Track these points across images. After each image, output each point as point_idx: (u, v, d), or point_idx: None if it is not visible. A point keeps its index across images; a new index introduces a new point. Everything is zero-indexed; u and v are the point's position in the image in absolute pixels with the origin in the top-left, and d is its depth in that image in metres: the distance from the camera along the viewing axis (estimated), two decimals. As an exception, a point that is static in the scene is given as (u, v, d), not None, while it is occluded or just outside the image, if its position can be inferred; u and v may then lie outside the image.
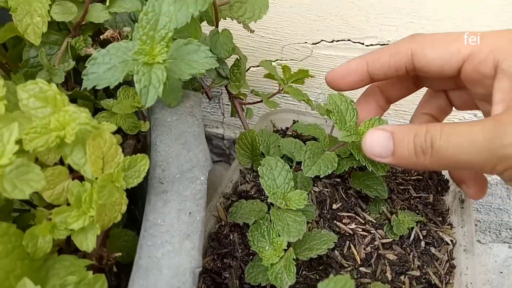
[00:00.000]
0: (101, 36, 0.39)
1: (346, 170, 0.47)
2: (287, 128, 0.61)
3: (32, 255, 0.28)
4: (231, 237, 0.44)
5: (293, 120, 0.62)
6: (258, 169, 0.42)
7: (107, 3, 0.40)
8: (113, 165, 0.30)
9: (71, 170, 0.31)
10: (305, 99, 0.56)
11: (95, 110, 0.44)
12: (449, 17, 0.59)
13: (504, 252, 0.77)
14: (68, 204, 0.29)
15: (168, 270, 0.29)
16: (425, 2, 0.59)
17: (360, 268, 0.41)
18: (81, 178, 0.30)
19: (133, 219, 0.45)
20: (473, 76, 0.35)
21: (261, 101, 0.56)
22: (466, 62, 0.34)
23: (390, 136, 0.35)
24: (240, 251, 0.42)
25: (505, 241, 0.79)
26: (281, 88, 0.57)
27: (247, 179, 0.50)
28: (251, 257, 0.42)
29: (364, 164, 0.43)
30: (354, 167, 0.49)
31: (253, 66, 0.74)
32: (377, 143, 0.36)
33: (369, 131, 0.37)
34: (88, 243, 0.29)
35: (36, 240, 0.28)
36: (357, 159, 0.44)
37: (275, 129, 0.62)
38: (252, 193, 0.48)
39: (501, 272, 0.73)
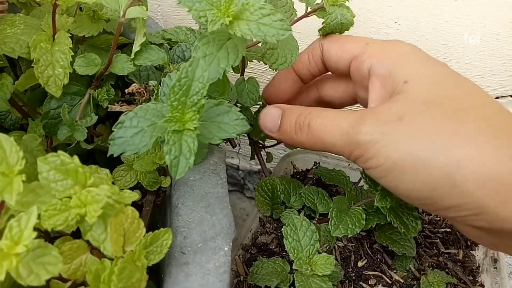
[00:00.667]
0: (126, 90, 0.37)
1: (373, 227, 0.44)
2: (307, 170, 0.59)
3: None
4: (251, 298, 0.42)
5: (314, 162, 0.60)
6: (282, 229, 0.40)
7: (132, 55, 0.38)
8: (134, 241, 0.28)
9: (89, 243, 0.29)
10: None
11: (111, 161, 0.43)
12: None
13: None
14: (85, 283, 0.28)
15: None
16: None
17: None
18: (100, 252, 0.29)
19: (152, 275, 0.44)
20: (355, 75, 0.38)
21: (281, 142, 0.55)
22: (353, 61, 0.38)
23: (281, 113, 0.39)
24: (260, 314, 0.40)
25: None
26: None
27: (267, 230, 0.49)
28: (273, 321, 0.39)
29: (395, 226, 0.41)
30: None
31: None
32: (269, 117, 0.39)
33: (268, 107, 0.40)
34: (106, 326, 0.27)
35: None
36: (388, 219, 0.41)
37: (295, 170, 0.60)
38: (273, 247, 0.46)
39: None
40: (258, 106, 0.48)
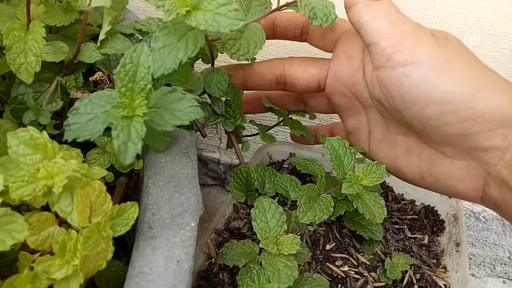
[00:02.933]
0: (90, 78, 0.39)
1: (342, 213, 0.46)
2: (283, 161, 0.61)
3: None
4: (221, 277, 0.43)
5: (290, 153, 0.61)
6: (251, 211, 0.41)
7: (98, 44, 0.39)
8: (101, 213, 0.29)
9: (57, 215, 0.30)
10: (304, 133, 0.56)
11: (89, 144, 0.44)
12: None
13: (498, 287, 0.76)
14: (52, 253, 0.29)
15: (152, 325, 0.28)
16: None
17: (351, 315, 0.40)
18: (68, 224, 0.30)
19: (122, 244, 0.45)
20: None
21: (258, 134, 0.56)
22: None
23: None
24: (230, 292, 0.42)
25: (500, 276, 0.78)
26: (280, 120, 0.57)
27: (240, 215, 0.50)
28: (241, 300, 0.41)
29: (361, 212, 0.43)
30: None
31: (252, 94, 0.74)
32: None
33: None
34: (71, 293, 0.28)
35: (16, 290, 0.27)
36: (355, 206, 0.43)
37: (271, 161, 0.61)
38: (245, 231, 0.48)
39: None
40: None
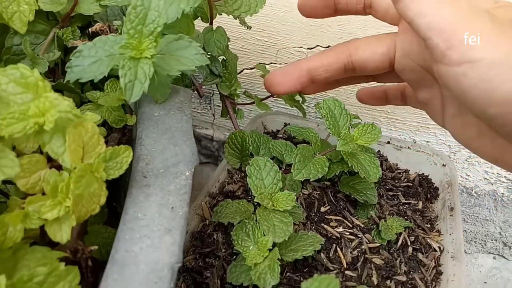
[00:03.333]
0: (89, 29, 0.38)
1: (337, 174, 0.46)
2: (278, 131, 0.61)
3: (0, 244, 0.26)
4: (215, 237, 0.43)
5: (284, 123, 0.61)
6: (246, 168, 0.41)
7: (98, -5, 0.39)
8: (94, 156, 0.29)
9: (49, 160, 0.30)
10: (297, 105, 0.56)
11: (81, 104, 0.43)
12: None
13: (489, 263, 0.77)
14: (44, 194, 0.28)
15: (145, 265, 0.28)
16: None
17: (346, 272, 0.40)
18: (59, 168, 0.29)
19: (116, 216, 0.44)
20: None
21: (253, 103, 0.56)
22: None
23: None
24: (223, 250, 0.41)
25: (490, 252, 0.79)
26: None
27: (235, 179, 0.50)
28: (234, 257, 0.40)
29: (356, 170, 0.43)
30: (345, 171, 0.48)
31: (247, 68, 0.73)
32: None
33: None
34: (62, 234, 0.28)
35: (6, 229, 0.27)
36: (350, 165, 0.43)
37: (265, 131, 0.61)
38: (239, 193, 0.47)
39: (485, 283, 0.73)
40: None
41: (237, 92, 0.54)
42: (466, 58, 0.30)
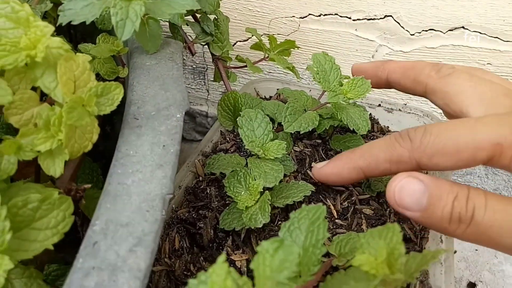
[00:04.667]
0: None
1: (327, 129, 0.47)
2: (270, 97, 0.61)
3: (-5, 175, 0.27)
4: (208, 191, 0.43)
5: (277, 90, 0.62)
6: (237, 120, 0.41)
7: None
8: (85, 91, 0.29)
9: (41, 99, 0.30)
10: (290, 67, 0.56)
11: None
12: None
13: (482, 232, 0.78)
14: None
15: (138, 196, 0.28)
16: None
17: (336, 220, 0.40)
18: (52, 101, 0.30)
19: None
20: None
21: (245, 66, 0.56)
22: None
23: (426, 189, 0.29)
24: (216, 202, 0.42)
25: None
26: (266, 56, 0.57)
27: (227, 139, 0.50)
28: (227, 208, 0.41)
29: (345, 123, 0.43)
30: (335, 127, 0.49)
31: (240, 41, 0.74)
32: (407, 193, 0.30)
33: (400, 176, 0.30)
34: (55, 168, 0.28)
35: (0, 161, 0.27)
36: (339, 118, 0.44)
37: (258, 97, 0.61)
38: (232, 150, 0.48)
39: (476, 250, 0.74)
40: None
41: (229, 55, 0.55)
42: None
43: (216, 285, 0.20)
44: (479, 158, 0.28)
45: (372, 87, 0.42)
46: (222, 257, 0.20)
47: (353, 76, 0.44)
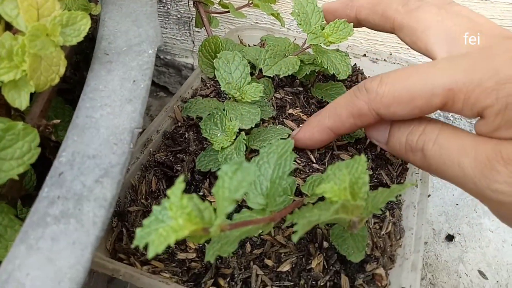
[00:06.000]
0: None
1: (308, 74, 0.46)
2: (254, 45, 0.60)
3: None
4: (186, 136, 0.43)
5: (261, 39, 0.60)
6: (214, 62, 0.40)
7: None
8: (50, 20, 0.28)
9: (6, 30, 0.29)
10: (274, 13, 0.55)
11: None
12: None
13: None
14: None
15: (106, 129, 0.28)
16: None
17: (313, 165, 0.41)
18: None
19: None
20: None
21: (228, 11, 0.54)
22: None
23: (388, 124, 0.33)
24: (194, 146, 0.42)
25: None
26: (250, 1, 0.55)
27: (208, 86, 0.49)
28: (205, 151, 0.41)
29: (325, 67, 0.42)
30: (317, 75, 0.48)
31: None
32: (374, 127, 0.34)
33: None
34: (21, 100, 0.28)
35: (-37, 89, 0.26)
36: (319, 62, 0.43)
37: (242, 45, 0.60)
38: (211, 96, 0.47)
39: (457, 204, 0.76)
40: None
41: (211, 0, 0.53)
42: None
43: (173, 205, 0.20)
44: (434, 104, 0.28)
45: None
46: (180, 178, 0.20)
47: (325, 17, 0.42)
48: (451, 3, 0.34)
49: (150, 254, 0.19)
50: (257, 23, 0.74)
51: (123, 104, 0.29)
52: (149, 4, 0.36)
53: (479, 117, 0.27)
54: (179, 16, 0.79)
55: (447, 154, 0.28)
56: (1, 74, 0.27)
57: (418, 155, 0.30)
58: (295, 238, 0.22)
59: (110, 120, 0.28)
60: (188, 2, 0.76)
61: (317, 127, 0.37)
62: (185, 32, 0.81)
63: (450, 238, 0.70)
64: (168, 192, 0.21)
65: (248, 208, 0.30)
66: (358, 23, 0.40)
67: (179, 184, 0.20)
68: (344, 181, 0.24)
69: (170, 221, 0.22)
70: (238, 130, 0.36)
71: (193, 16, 0.78)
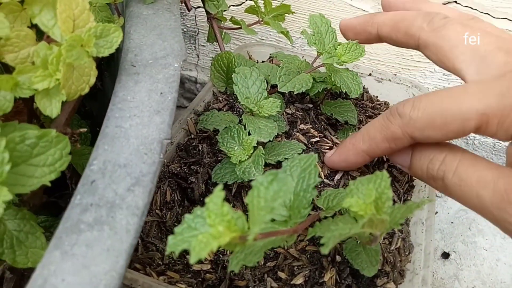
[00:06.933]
0: None
1: (319, 92, 0.47)
2: (263, 61, 0.61)
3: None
4: (200, 148, 0.44)
5: (270, 55, 0.62)
6: (232, 77, 0.41)
7: None
8: (85, 31, 0.29)
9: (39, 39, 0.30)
10: (284, 31, 0.56)
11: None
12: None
13: (457, 205, 0.81)
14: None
15: (136, 139, 0.28)
16: None
17: (324, 180, 0.42)
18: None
19: None
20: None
21: (240, 27, 0.56)
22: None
23: (410, 149, 0.34)
24: (208, 158, 0.42)
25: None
26: (260, 19, 0.57)
27: (220, 100, 0.50)
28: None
29: (339, 86, 0.44)
30: (326, 92, 0.49)
31: (233, 5, 0.73)
32: (398, 153, 0.35)
33: None
34: (52, 108, 0.28)
35: (-3, 96, 0.27)
36: (333, 80, 0.44)
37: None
38: (225, 110, 0.48)
39: (452, 223, 0.77)
40: None
41: (224, 15, 0.54)
42: None
43: (213, 213, 0.20)
44: (468, 128, 0.29)
45: (361, 43, 0.42)
46: (219, 186, 0.21)
47: (341, 33, 0.43)
48: (474, 18, 0.35)
49: (192, 259, 0.20)
50: (263, 39, 0.76)
51: (152, 115, 0.30)
52: (173, 19, 0.38)
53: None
54: (185, 30, 0.80)
55: (466, 185, 0.29)
56: (36, 82, 0.27)
57: (439, 183, 0.31)
58: (325, 250, 0.23)
59: (139, 130, 0.29)
60: (195, 16, 0.77)
61: (352, 151, 0.38)
62: (190, 46, 0.82)
63: (445, 255, 0.71)
64: (207, 199, 0.21)
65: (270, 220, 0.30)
66: (379, 40, 0.40)
67: (219, 192, 0.21)
68: (370, 196, 0.25)
69: (204, 228, 0.23)
70: (255, 145, 0.37)
71: (199, 30, 0.79)
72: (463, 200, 0.30)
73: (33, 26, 0.30)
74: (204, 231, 0.22)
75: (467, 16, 0.36)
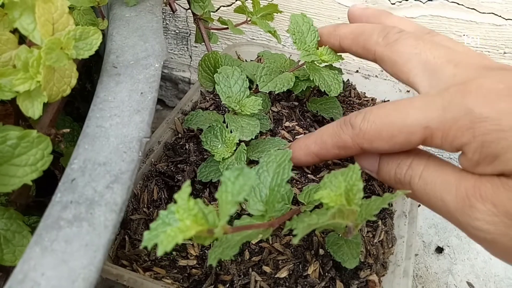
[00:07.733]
0: None
1: (304, 90, 0.48)
2: (251, 61, 0.62)
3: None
4: (187, 147, 0.45)
5: (258, 54, 0.62)
6: (214, 76, 0.42)
7: None
8: (64, 34, 0.30)
9: (20, 43, 0.31)
10: (271, 30, 0.57)
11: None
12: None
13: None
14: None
15: (115, 138, 0.29)
16: None
17: (309, 175, 0.42)
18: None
19: None
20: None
21: (227, 28, 0.56)
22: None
23: (378, 155, 0.34)
24: (194, 157, 0.43)
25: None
26: (248, 19, 0.58)
27: (207, 99, 0.51)
28: (205, 162, 0.42)
29: (317, 84, 0.44)
30: (312, 89, 0.50)
31: (224, 6, 0.74)
32: (365, 158, 0.35)
33: None
34: (34, 109, 0.29)
35: (-20, 98, 0.28)
36: (312, 79, 0.45)
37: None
38: (211, 109, 0.49)
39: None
40: None
41: (211, 16, 0.55)
42: None
43: (181, 208, 0.21)
44: (413, 141, 0.29)
45: None
46: (186, 182, 0.22)
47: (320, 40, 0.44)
48: (430, 33, 0.35)
49: (159, 252, 0.20)
50: (253, 39, 0.76)
51: (132, 114, 0.31)
52: (155, 20, 0.38)
53: (461, 152, 0.28)
54: (177, 31, 0.81)
55: (431, 189, 0.29)
56: (17, 84, 0.28)
57: (406, 188, 0.31)
58: (295, 241, 0.24)
59: (119, 130, 0.30)
60: (187, 18, 0.78)
61: (304, 150, 0.38)
62: (183, 47, 0.83)
63: (439, 250, 0.71)
64: (175, 195, 0.22)
65: (248, 215, 0.31)
66: (343, 51, 0.41)
67: (186, 188, 0.22)
68: (340, 188, 0.25)
69: (177, 223, 0.24)
70: (238, 142, 0.38)
71: (191, 31, 0.80)
72: (429, 205, 0.30)
73: (16, 31, 0.31)
74: (175, 226, 0.23)
75: (423, 30, 0.36)
